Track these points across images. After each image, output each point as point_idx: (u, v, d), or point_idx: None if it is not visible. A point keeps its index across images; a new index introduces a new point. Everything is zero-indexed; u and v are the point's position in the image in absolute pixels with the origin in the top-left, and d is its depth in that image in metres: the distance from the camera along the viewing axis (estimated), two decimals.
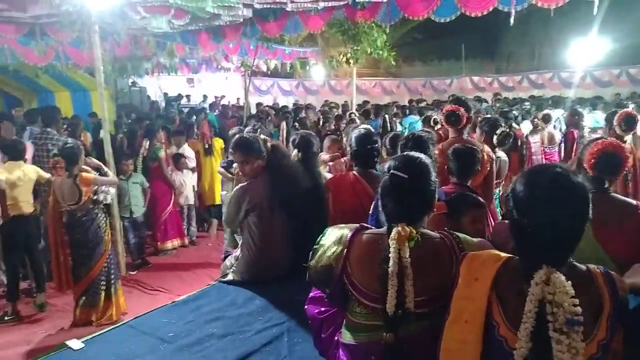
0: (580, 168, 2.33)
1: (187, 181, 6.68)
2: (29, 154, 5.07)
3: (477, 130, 4.15)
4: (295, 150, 3.22)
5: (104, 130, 5.65)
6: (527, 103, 11.37)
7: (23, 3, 5.50)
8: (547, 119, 6.79)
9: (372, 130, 3.45)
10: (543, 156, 6.67)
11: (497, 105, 11.62)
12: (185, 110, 13.15)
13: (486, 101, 11.86)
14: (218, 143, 7.17)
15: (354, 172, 3.08)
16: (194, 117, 10.74)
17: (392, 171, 1.67)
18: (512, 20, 5.74)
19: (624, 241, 2.10)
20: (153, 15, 6.29)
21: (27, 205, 4.67)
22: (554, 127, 7.50)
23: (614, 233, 2.10)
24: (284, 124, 7.57)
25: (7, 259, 4.72)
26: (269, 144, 3.05)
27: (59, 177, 4.19)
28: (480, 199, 2.63)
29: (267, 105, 14.00)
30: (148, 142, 6.37)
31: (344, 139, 5.93)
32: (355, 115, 7.83)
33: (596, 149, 2.22)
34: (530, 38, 20.92)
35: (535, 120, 7.04)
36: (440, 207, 2.40)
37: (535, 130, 6.94)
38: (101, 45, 5.92)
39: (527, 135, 7.06)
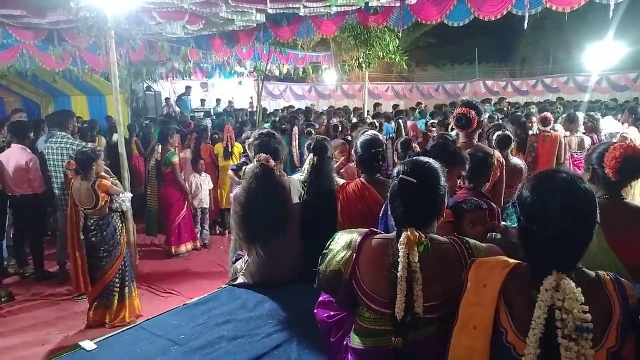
0: (588, 172, 2.31)
1: (203, 184, 6.73)
2: None
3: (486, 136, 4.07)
4: (311, 155, 3.22)
5: (119, 134, 5.72)
6: (532, 107, 11.24)
7: (42, 9, 5.63)
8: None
9: (378, 135, 3.41)
10: (571, 161, 6.55)
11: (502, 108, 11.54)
12: (200, 114, 13.23)
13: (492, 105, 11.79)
14: (237, 148, 7.23)
15: (361, 179, 3.06)
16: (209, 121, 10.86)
17: (401, 176, 1.67)
18: (526, 24, 5.69)
19: (637, 248, 2.06)
20: (168, 21, 6.38)
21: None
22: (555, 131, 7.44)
23: (627, 240, 2.07)
24: (295, 128, 7.55)
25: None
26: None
27: (77, 180, 4.27)
28: (482, 202, 2.59)
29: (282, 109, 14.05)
30: (161, 147, 6.39)
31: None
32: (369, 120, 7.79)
33: (619, 153, 2.18)
34: (544, 42, 20.69)
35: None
36: (447, 215, 2.39)
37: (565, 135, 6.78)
38: (117, 50, 6.00)
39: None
